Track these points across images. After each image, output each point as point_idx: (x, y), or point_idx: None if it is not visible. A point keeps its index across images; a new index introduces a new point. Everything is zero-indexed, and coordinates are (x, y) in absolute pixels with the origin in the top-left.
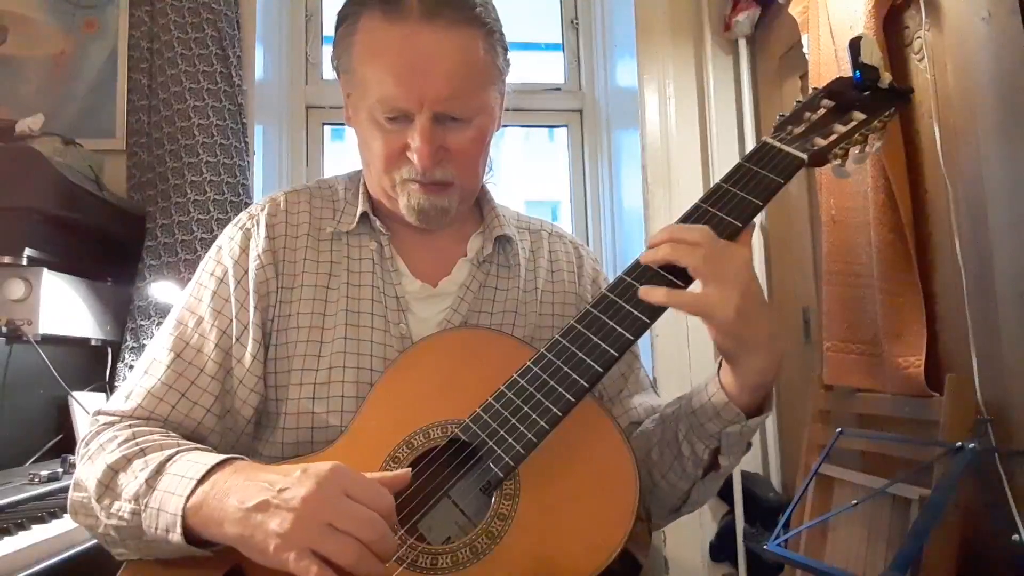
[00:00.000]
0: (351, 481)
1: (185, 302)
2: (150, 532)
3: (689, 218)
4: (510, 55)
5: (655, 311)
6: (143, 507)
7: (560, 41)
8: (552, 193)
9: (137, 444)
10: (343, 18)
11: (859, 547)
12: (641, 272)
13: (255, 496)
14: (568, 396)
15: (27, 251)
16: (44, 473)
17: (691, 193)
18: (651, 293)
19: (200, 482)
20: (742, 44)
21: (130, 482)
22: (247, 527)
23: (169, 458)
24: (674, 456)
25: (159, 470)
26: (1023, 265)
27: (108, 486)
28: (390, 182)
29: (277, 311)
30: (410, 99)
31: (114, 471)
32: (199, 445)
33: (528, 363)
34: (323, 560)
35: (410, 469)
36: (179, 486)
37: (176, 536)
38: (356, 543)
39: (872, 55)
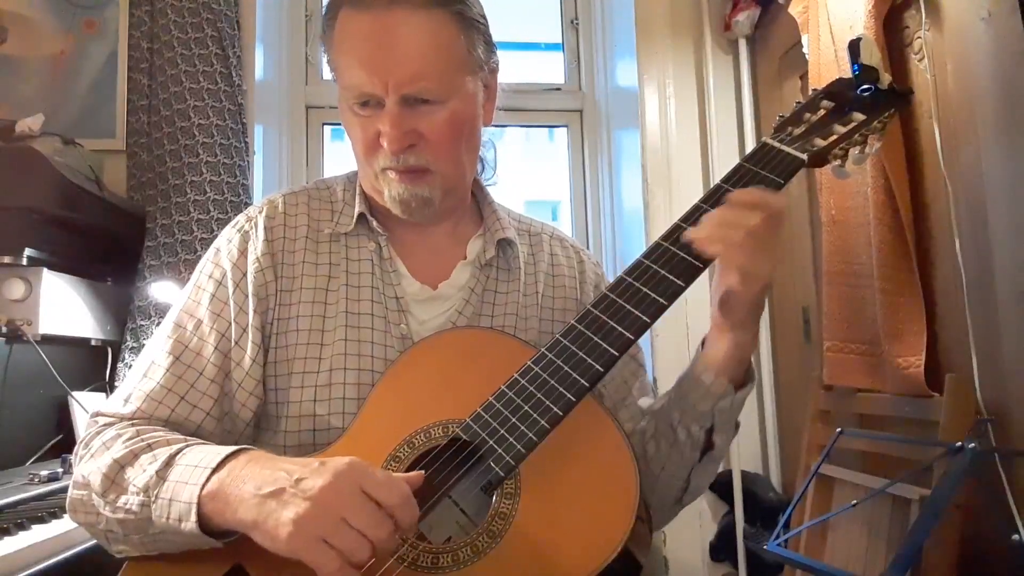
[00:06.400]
0: (368, 478)
1: (183, 305)
2: (160, 523)
3: (689, 219)
4: (514, 56)
5: (656, 310)
6: (153, 498)
7: (560, 41)
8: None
9: (143, 440)
10: (325, 18)
11: (859, 547)
12: (642, 271)
13: (272, 484)
14: (569, 395)
15: (27, 251)
16: (44, 473)
17: (691, 193)
18: (698, 236)
19: (216, 470)
20: (742, 44)
21: (138, 475)
22: (261, 512)
23: (179, 451)
24: (670, 444)
25: (169, 463)
26: (1023, 265)
27: (114, 480)
28: (372, 173)
29: (276, 314)
30: (375, 83)
31: (120, 465)
32: (205, 441)
33: (529, 363)
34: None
35: (423, 472)
36: (193, 475)
37: (190, 524)
38: (367, 541)
39: (871, 56)
